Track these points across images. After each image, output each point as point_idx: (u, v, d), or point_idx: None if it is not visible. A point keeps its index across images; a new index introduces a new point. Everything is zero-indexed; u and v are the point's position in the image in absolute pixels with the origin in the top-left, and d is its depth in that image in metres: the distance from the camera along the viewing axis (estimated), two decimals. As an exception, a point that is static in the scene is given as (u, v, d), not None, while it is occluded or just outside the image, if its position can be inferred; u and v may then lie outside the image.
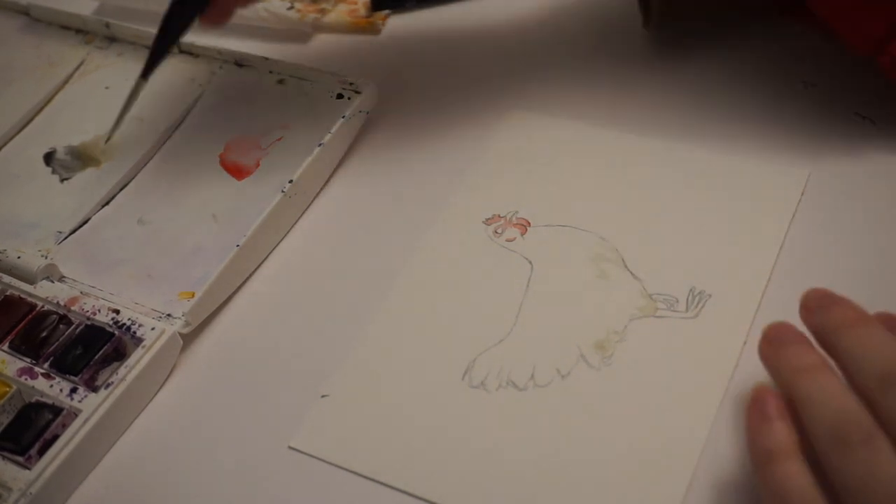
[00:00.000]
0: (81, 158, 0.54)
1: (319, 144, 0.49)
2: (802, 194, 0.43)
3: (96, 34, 0.60)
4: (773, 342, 0.34)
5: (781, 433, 0.32)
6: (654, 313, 0.41)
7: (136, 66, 0.57)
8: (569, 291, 0.42)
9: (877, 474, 0.29)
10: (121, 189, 0.52)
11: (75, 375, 0.42)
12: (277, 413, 0.41)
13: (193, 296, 0.44)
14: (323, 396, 0.41)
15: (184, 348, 0.44)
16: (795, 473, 0.31)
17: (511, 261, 0.44)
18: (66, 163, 0.54)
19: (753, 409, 0.33)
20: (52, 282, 0.46)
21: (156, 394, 0.43)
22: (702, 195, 0.44)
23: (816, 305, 0.34)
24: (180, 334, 0.44)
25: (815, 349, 0.33)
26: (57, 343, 0.44)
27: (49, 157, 0.54)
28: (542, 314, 0.42)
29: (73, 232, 0.50)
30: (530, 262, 0.44)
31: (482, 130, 0.50)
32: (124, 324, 0.44)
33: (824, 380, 0.32)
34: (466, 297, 0.43)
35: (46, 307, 0.46)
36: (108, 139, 0.49)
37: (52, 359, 0.43)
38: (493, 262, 0.44)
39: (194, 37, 0.57)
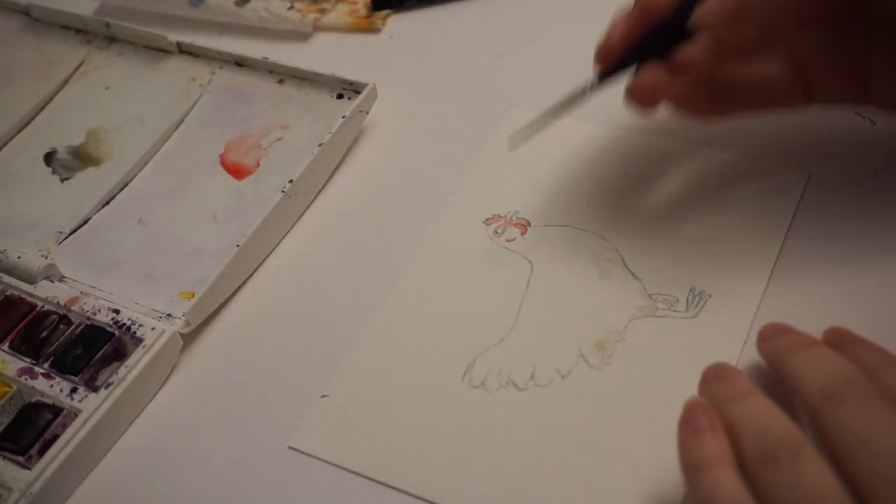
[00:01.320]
0: (81, 158, 0.54)
1: (319, 144, 0.49)
2: (802, 194, 0.43)
3: (96, 34, 0.60)
4: (710, 380, 0.35)
5: (711, 443, 0.32)
6: (654, 313, 0.41)
7: (137, 66, 0.58)
8: (569, 291, 0.42)
9: (801, 487, 0.29)
10: (121, 189, 0.52)
11: (75, 375, 0.42)
12: (277, 413, 0.41)
13: (193, 296, 0.44)
14: (323, 396, 0.41)
15: (184, 348, 0.44)
16: (725, 479, 0.30)
17: (511, 261, 0.44)
18: (66, 163, 0.54)
19: (683, 423, 0.33)
20: (52, 282, 0.46)
21: (156, 394, 0.43)
22: (702, 195, 0.44)
23: (770, 335, 0.36)
24: (180, 334, 0.44)
25: (747, 380, 0.34)
26: (57, 343, 0.44)
27: (49, 157, 0.54)
28: (542, 314, 0.42)
29: (73, 232, 0.50)
30: (530, 262, 0.44)
31: (482, 130, 0.50)
32: (124, 324, 0.44)
33: (751, 403, 0.32)
34: (466, 297, 0.43)
35: (46, 307, 0.46)
36: (514, 146, 0.42)
37: (52, 359, 0.43)
38: (493, 262, 0.44)
39: (194, 37, 0.57)
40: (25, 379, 0.43)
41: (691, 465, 0.32)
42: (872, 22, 0.39)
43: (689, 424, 0.33)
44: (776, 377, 0.34)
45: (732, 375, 0.35)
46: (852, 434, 0.30)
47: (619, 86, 0.51)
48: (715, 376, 0.35)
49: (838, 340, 0.34)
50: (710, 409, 0.33)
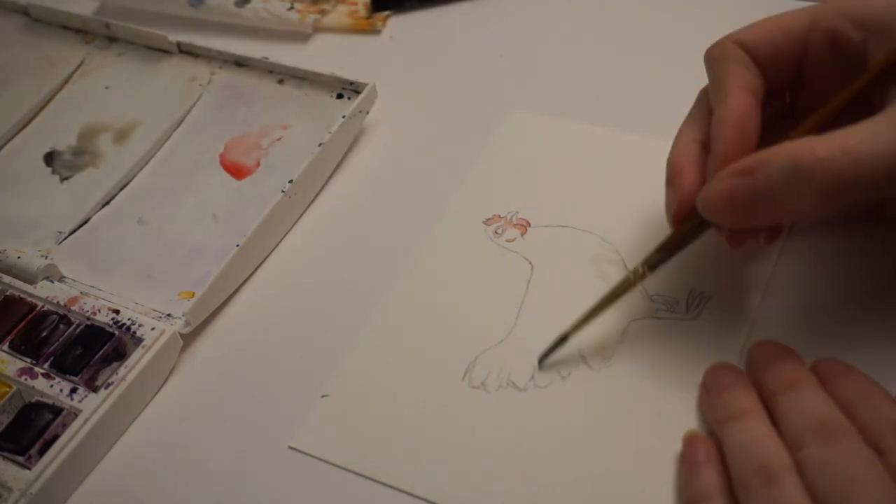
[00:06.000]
0: (82, 155, 0.54)
1: (319, 144, 0.49)
2: (802, 195, 0.43)
3: (96, 34, 0.60)
4: (710, 389, 0.37)
5: (704, 478, 0.34)
6: (654, 314, 0.41)
7: (137, 66, 0.58)
8: (569, 292, 0.42)
9: None
10: (121, 189, 0.52)
11: (75, 375, 0.42)
12: (277, 413, 0.41)
13: (193, 296, 0.44)
14: (323, 396, 0.41)
15: (184, 348, 0.44)
16: None
17: (511, 261, 0.44)
18: (66, 162, 0.54)
19: (683, 458, 0.35)
20: (52, 282, 0.46)
21: (156, 394, 0.43)
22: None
23: (760, 363, 0.37)
24: (180, 334, 0.44)
25: (744, 393, 0.35)
26: (57, 343, 0.44)
27: (49, 157, 0.54)
28: (542, 314, 0.42)
29: (73, 232, 0.50)
30: (530, 263, 0.44)
31: (482, 130, 0.50)
32: (124, 324, 0.44)
33: (742, 426, 0.34)
34: (466, 298, 0.43)
35: (46, 307, 0.46)
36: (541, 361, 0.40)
37: (52, 359, 0.43)
38: (493, 263, 0.44)
39: (194, 37, 0.57)
40: (25, 379, 0.43)
41: (688, 501, 0.34)
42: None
43: (687, 460, 0.35)
44: (767, 409, 0.35)
45: (728, 386, 0.36)
46: (815, 471, 0.31)
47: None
48: (715, 385, 0.36)
49: (825, 372, 0.35)
50: (707, 441, 0.35)
